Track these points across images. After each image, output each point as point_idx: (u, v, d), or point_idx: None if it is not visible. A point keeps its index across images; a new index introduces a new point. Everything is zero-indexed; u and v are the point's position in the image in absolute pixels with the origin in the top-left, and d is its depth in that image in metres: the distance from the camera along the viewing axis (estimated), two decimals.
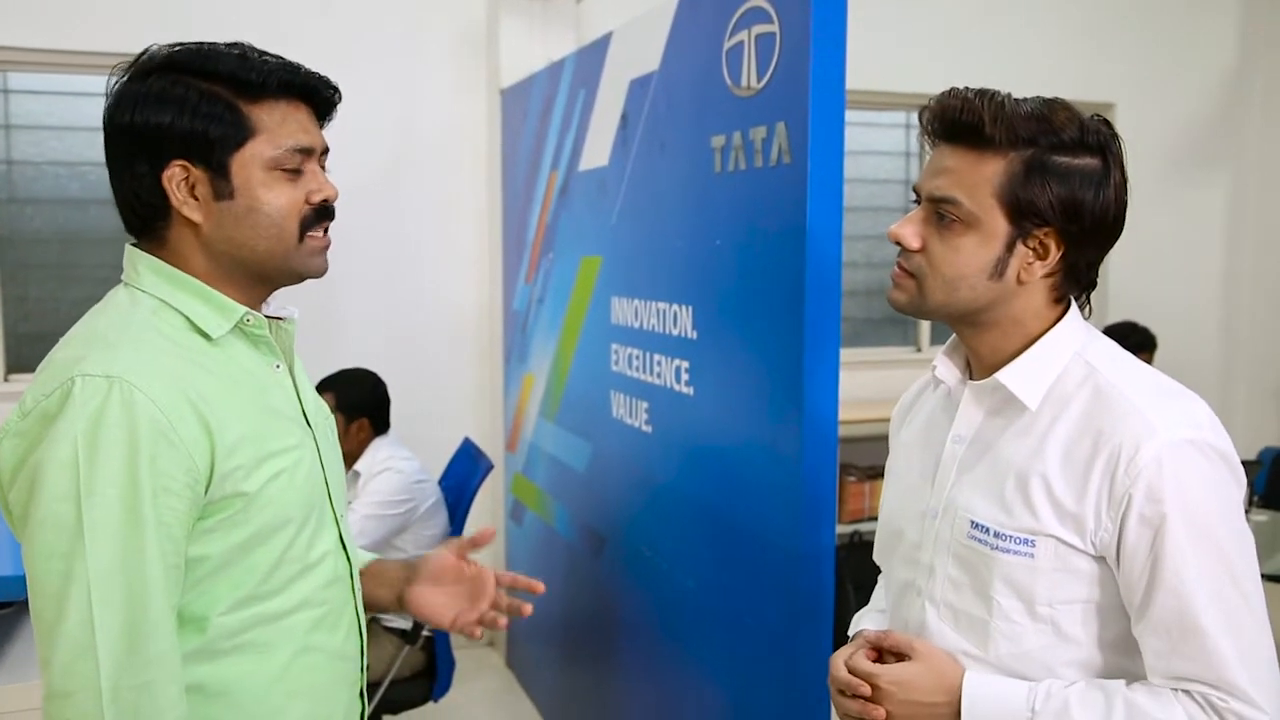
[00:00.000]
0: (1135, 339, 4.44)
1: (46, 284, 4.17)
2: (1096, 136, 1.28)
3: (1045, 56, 5.30)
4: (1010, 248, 1.29)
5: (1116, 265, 5.57)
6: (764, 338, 2.32)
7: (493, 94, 4.37)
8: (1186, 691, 1.21)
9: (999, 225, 1.28)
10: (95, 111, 4.19)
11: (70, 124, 4.17)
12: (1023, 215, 1.27)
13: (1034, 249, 1.29)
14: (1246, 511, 4.17)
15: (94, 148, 4.18)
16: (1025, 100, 1.29)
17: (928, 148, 1.36)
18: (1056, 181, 1.26)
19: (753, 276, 2.36)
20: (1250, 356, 5.81)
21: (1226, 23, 5.68)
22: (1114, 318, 5.30)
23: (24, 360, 4.15)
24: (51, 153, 4.15)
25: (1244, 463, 4.52)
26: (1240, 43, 5.71)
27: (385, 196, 4.31)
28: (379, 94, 4.33)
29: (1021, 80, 5.59)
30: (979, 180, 1.27)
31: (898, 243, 1.34)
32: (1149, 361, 4.39)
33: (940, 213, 1.30)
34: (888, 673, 1.36)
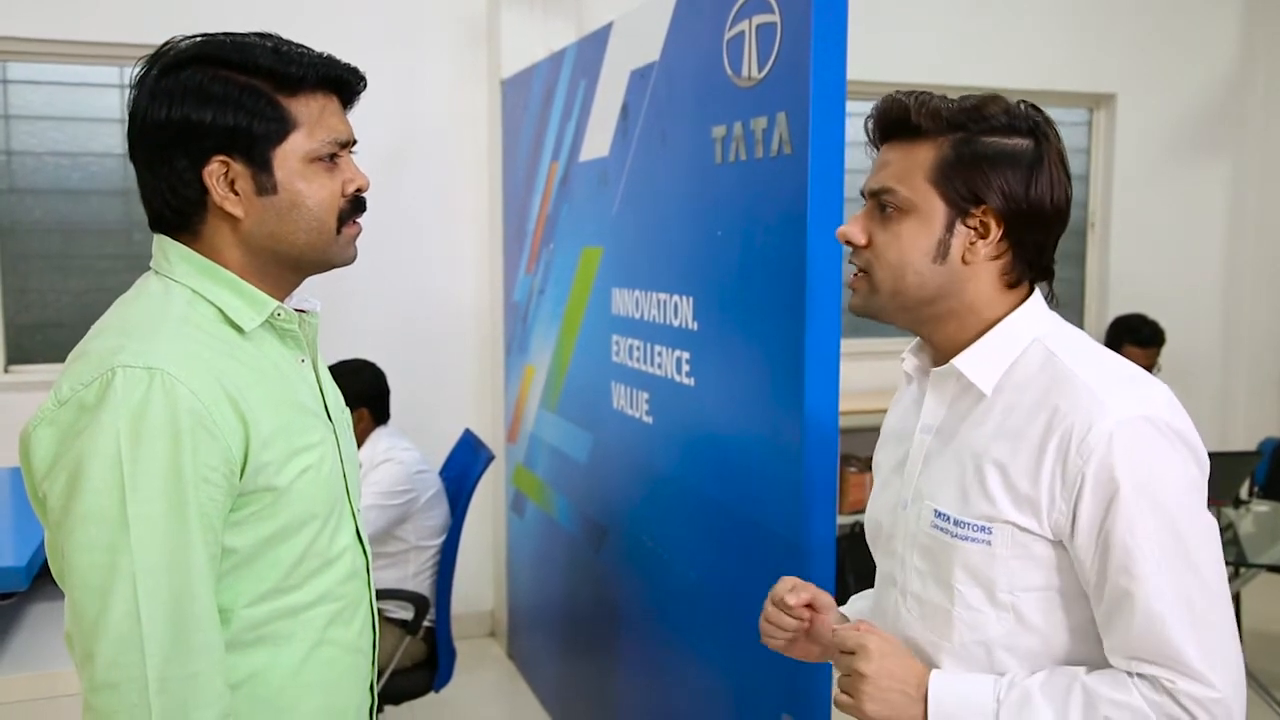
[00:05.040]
0: (1145, 332, 4.43)
1: (47, 275, 4.17)
2: (1027, 121, 1.32)
3: (1046, 46, 5.29)
4: (950, 228, 1.31)
5: (1118, 255, 5.57)
6: (765, 328, 2.32)
7: (493, 84, 4.37)
8: (1141, 675, 1.21)
9: (936, 207, 1.30)
10: (96, 102, 4.20)
11: (71, 114, 4.16)
12: (958, 195, 1.29)
13: (974, 228, 1.31)
14: (1246, 501, 4.17)
15: (95, 138, 4.18)
16: (959, 97, 1.33)
17: (872, 156, 1.40)
18: (987, 161, 1.29)
19: (754, 267, 2.36)
20: (1251, 347, 5.81)
21: (1228, 13, 5.67)
22: (1115, 308, 5.30)
23: (24, 351, 4.15)
24: (52, 143, 4.15)
25: (1244, 454, 4.49)
26: (1242, 33, 5.69)
27: (386, 187, 4.29)
28: (379, 84, 4.26)
29: (1022, 70, 5.56)
30: (912, 166, 1.32)
31: (847, 242, 1.37)
32: (1157, 356, 4.38)
33: (881, 204, 1.34)
34: (877, 636, 1.33)
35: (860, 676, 1.30)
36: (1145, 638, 1.20)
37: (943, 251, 1.31)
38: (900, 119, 1.32)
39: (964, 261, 1.31)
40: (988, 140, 1.29)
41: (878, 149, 1.39)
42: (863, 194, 1.39)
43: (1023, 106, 1.32)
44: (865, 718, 1.30)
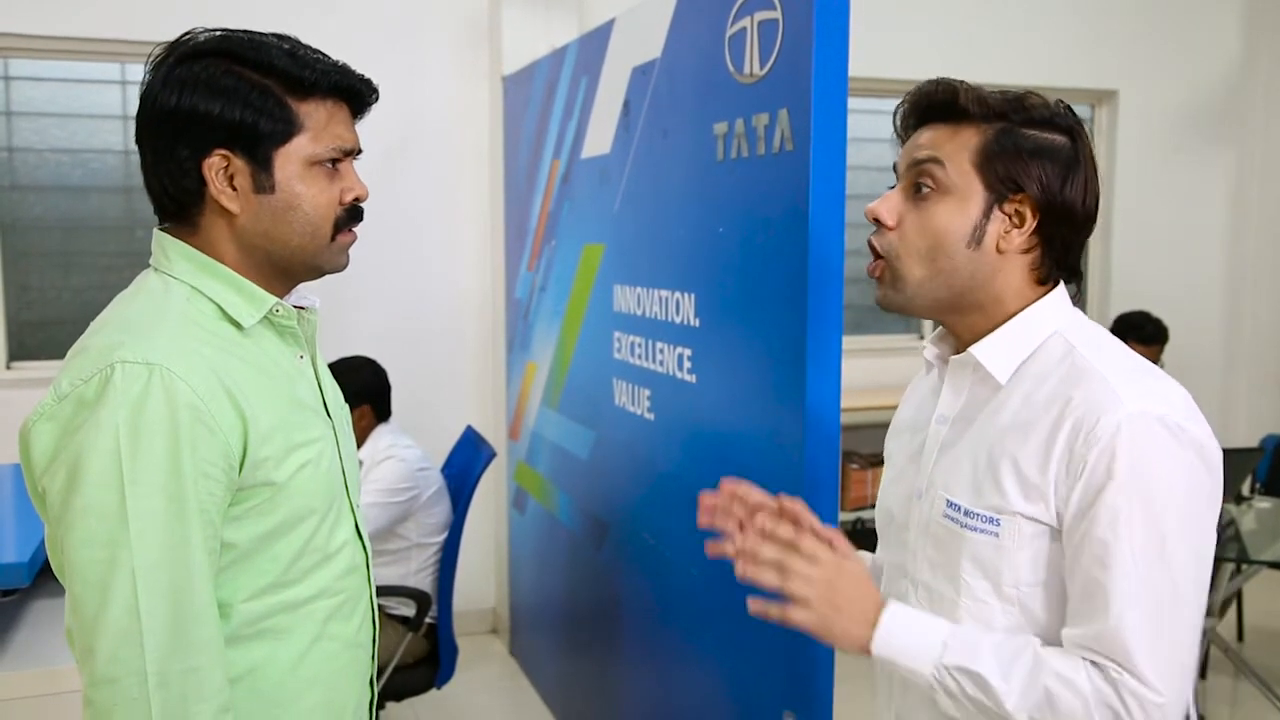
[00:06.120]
0: (1149, 329, 4.44)
1: (48, 272, 4.17)
2: (1065, 119, 1.33)
3: (1048, 42, 5.29)
4: (988, 214, 1.31)
5: (1119, 252, 5.57)
6: (766, 325, 2.32)
7: (495, 81, 4.36)
8: (1094, 662, 1.21)
9: (976, 190, 1.30)
10: (98, 98, 4.20)
11: (72, 111, 4.17)
12: (999, 180, 1.30)
13: (1010, 216, 1.31)
14: (1248, 498, 4.15)
15: (96, 135, 4.18)
16: (1002, 90, 1.35)
17: (901, 145, 1.39)
18: (1029, 152, 1.30)
19: (755, 264, 2.35)
20: (1253, 344, 5.81)
21: (1229, 9, 5.66)
22: (1117, 305, 5.29)
23: (26, 348, 4.16)
24: (54, 140, 4.15)
25: (1246, 450, 4.46)
26: (1243, 29, 5.69)
27: (387, 184, 4.30)
28: (381, 81, 4.23)
29: (1024, 66, 5.54)
30: (957, 147, 1.31)
31: (876, 220, 1.36)
32: (1160, 353, 4.38)
33: (918, 183, 1.33)
34: (831, 560, 1.30)
35: (815, 584, 1.28)
36: (1103, 631, 1.20)
37: (978, 237, 1.31)
38: (947, 101, 1.32)
39: (998, 250, 1.31)
40: (1029, 132, 1.30)
41: (906, 135, 1.38)
42: (895, 169, 1.38)
43: (1060, 105, 1.33)
44: (804, 627, 1.29)
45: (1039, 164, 1.29)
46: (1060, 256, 1.34)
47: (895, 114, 1.39)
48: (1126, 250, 5.58)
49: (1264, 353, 5.81)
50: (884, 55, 4.86)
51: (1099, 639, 1.20)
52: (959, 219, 1.30)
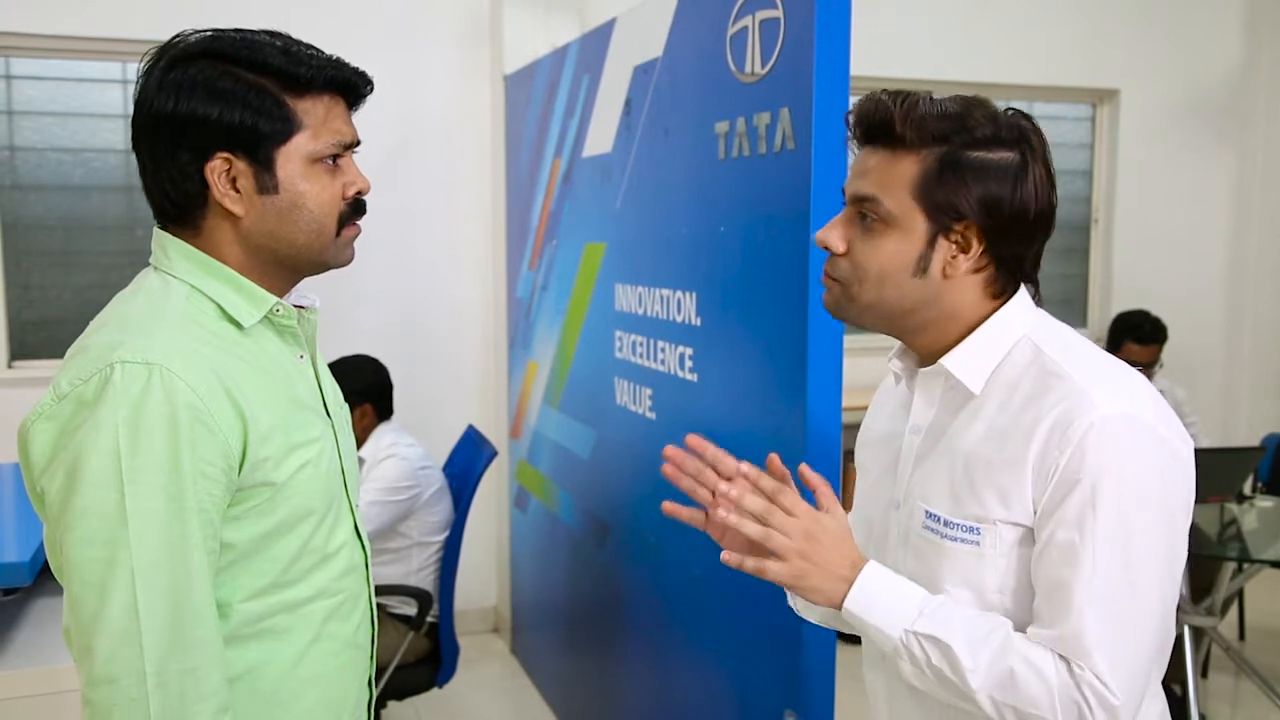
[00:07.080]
0: (1147, 329, 4.43)
1: (50, 271, 4.17)
2: (1013, 131, 1.29)
3: (1048, 41, 5.29)
4: (931, 244, 1.29)
5: (1120, 252, 5.56)
6: (768, 324, 2.32)
7: (496, 80, 4.36)
8: (1061, 656, 1.21)
9: (918, 222, 1.28)
10: (99, 98, 4.20)
11: (74, 110, 4.17)
12: (940, 211, 1.27)
13: (956, 243, 1.29)
14: (1250, 497, 4.13)
15: (97, 134, 4.18)
16: (945, 100, 1.30)
17: (854, 152, 1.37)
18: (972, 177, 1.26)
19: (756, 263, 2.35)
20: (1255, 342, 5.80)
21: (1231, 7, 5.66)
22: (1118, 304, 5.29)
23: (28, 347, 4.16)
24: (55, 139, 4.15)
25: (1248, 449, 4.43)
26: (1245, 27, 5.68)
27: (389, 183, 4.29)
28: (382, 80, 4.24)
29: (1025, 66, 5.54)
30: (896, 180, 1.29)
31: (825, 247, 1.35)
32: (1158, 353, 4.37)
33: (863, 213, 1.32)
34: (809, 513, 1.30)
35: (792, 536, 1.28)
36: (1065, 632, 1.20)
37: (923, 266, 1.29)
38: (884, 124, 1.29)
39: (944, 275, 1.30)
40: (972, 155, 1.27)
41: (859, 147, 1.36)
42: (844, 193, 1.37)
43: (1009, 114, 1.30)
44: (779, 579, 1.29)
45: (983, 186, 1.26)
46: (1014, 270, 1.32)
47: (846, 121, 1.37)
48: (1127, 249, 5.57)
49: (1266, 351, 5.80)
50: (885, 54, 4.85)
51: (1061, 639, 1.21)
52: (902, 251, 1.29)
